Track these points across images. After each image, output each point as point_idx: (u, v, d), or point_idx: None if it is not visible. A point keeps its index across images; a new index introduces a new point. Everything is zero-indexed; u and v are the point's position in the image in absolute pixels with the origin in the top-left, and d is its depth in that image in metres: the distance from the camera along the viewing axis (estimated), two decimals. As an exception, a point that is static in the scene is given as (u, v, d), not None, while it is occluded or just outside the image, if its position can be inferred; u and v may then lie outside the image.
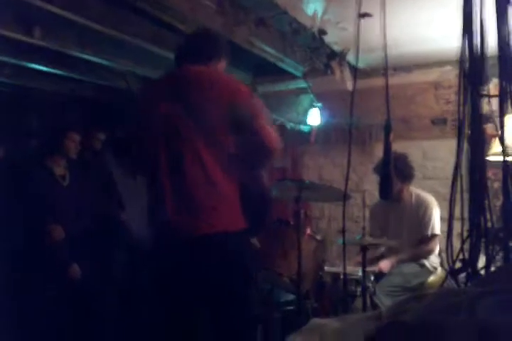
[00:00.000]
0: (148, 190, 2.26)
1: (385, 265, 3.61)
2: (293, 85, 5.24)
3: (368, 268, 3.32)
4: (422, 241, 3.72)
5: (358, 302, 3.31)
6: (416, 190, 3.89)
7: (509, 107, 1.36)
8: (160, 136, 2.12)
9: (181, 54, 2.33)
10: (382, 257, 3.85)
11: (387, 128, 1.55)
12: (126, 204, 3.52)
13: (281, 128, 5.27)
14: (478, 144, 1.45)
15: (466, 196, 1.45)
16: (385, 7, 1.48)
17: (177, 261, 2.15)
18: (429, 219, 3.70)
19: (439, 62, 4.71)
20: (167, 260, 2.19)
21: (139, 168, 2.42)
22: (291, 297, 3.37)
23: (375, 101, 4.84)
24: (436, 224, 3.71)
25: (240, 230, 2.14)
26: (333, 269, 3.58)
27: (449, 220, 1.47)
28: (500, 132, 1.39)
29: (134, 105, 2.42)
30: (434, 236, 3.70)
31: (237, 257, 2.15)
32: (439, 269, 3.75)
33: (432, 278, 3.66)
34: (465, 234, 1.41)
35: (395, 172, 3.63)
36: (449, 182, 1.47)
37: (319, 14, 3.53)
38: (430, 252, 3.72)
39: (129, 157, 2.39)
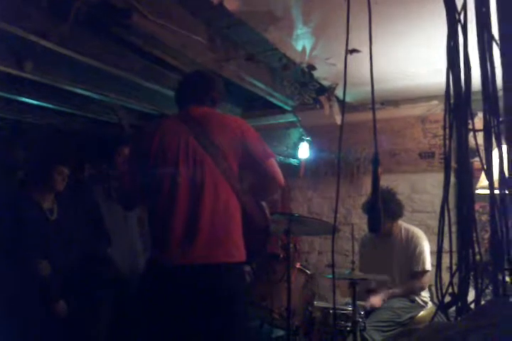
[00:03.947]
0: (153, 219, 2.29)
1: (376, 300, 3.58)
2: (282, 119, 5.31)
3: (359, 303, 3.29)
4: (413, 276, 3.70)
5: (349, 338, 3.26)
6: (405, 225, 3.88)
7: (494, 141, 1.38)
8: (177, 167, 2.20)
9: (187, 94, 2.46)
10: (372, 291, 3.81)
11: (375, 162, 1.55)
12: (112, 238, 3.47)
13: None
14: (465, 178, 1.46)
15: (454, 229, 1.45)
16: (371, 43, 1.51)
17: (175, 290, 2.13)
18: (420, 255, 3.69)
19: (425, 97, 4.79)
20: (163, 289, 2.16)
21: (148, 197, 2.40)
22: (280, 333, 3.31)
23: (363, 135, 4.91)
24: (427, 259, 3.70)
25: (242, 262, 2.23)
26: (323, 304, 3.54)
27: (437, 254, 1.46)
28: (486, 166, 1.40)
29: (143, 139, 2.41)
30: (424, 271, 3.69)
31: (236, 289, 2.19)
32: (430, 304, 3.72)
33: (422, 313, 3.62)
34: (454, 267, 1.40)
35: (384, 211, 3.66)
36: (437, 215, 1.48)
37: (308, 50, 3.59)
38: (421, 288, 3.70)
39: (135, 187, 2.37)
